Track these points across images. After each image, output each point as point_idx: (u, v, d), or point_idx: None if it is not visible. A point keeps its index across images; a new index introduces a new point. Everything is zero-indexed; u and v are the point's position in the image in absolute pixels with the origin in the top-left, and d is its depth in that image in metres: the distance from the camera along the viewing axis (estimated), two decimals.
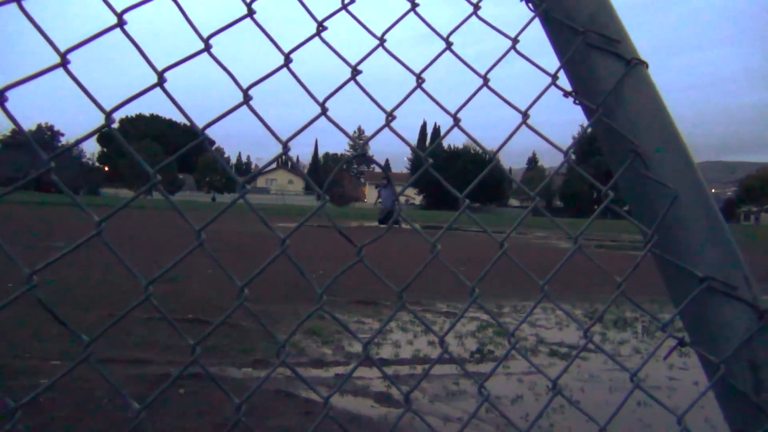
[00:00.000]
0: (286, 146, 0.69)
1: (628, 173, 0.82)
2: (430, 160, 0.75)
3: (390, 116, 0.76)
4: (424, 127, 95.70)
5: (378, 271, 0.69)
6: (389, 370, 3.32)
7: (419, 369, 3.38)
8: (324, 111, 0.73)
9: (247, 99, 0.68)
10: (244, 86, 0.69)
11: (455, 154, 66.53)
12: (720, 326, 0.76)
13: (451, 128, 0.77)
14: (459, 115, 0.81)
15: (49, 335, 3.50)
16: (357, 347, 3.73)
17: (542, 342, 4.20)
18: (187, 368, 0.55)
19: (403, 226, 16.57)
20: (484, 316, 4.82)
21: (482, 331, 4.36)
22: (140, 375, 2.96)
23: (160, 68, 0.63)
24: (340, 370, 3.29)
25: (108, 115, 0.58)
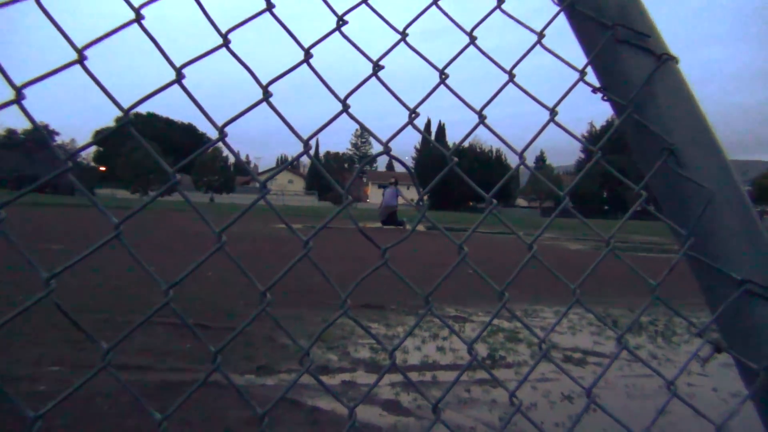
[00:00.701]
0: (307, 144, 0.67)
1: (660, 172, 0.79)
2: (456, 159, 0.72)
3: (413, 113, 0.73)
4: (428, 125, 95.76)
5: (391, 275, 0.66)
6: (397, 377, 3.28)
7: (428, 375, 3.34)
8: (346, 108, 0.70)
9: (267, 96, 0.66)
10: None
11: (460, 152, 66.68)
12: (760, 331, 0.73)
13: (477, 125, 0.75)
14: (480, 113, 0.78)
15: (45, 340, 3.47)
16: (363, 353, 3.69)
17: (555, 347, 4.15)
18: (210, 376, 0.52)
19: (407, 227, 16.49)
20: (494, 321, 4.78)
21: (492, 336, 4.31)
22: (140, 381, 2.93)
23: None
24: (347, 377, 3.25)
25: (126, 113, 0.56)
